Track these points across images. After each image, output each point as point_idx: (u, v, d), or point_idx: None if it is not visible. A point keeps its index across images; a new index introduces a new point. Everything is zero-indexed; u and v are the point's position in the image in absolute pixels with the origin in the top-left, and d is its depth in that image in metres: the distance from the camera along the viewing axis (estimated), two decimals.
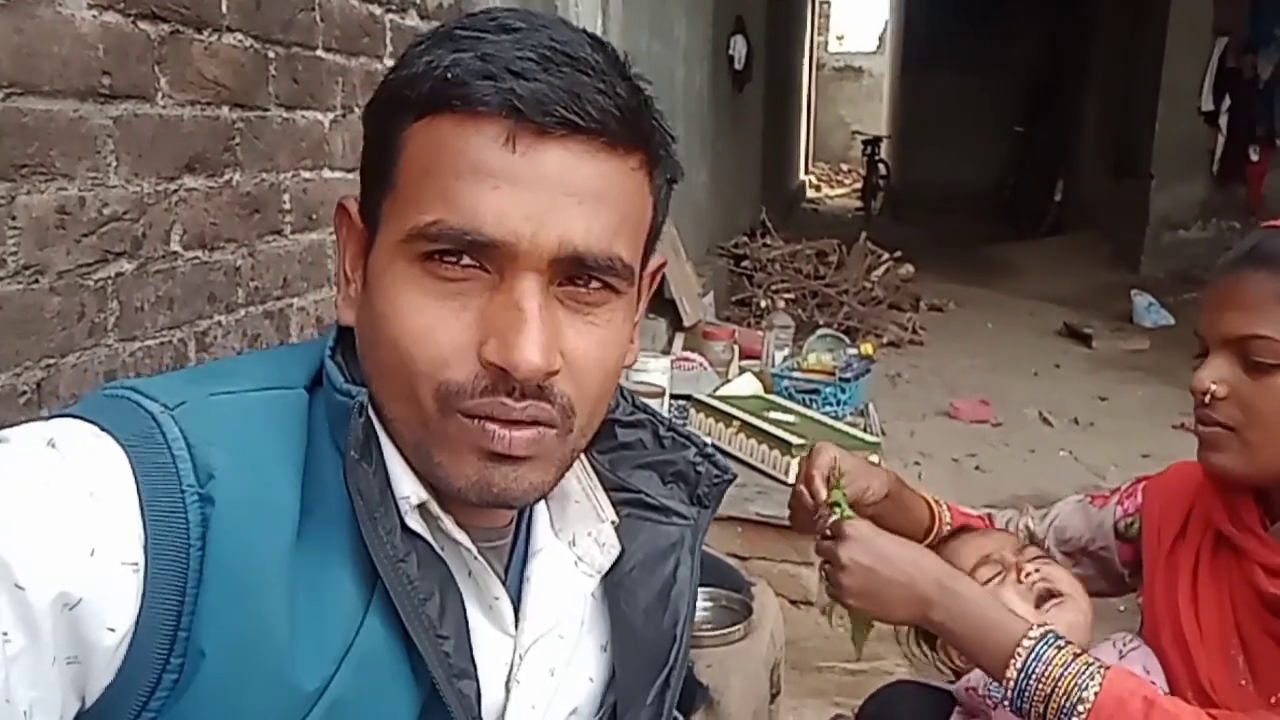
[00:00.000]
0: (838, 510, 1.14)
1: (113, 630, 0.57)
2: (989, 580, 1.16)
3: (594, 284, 0.65)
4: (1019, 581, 1.15)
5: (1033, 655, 1.00)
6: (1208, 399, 1.06)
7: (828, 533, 1.12)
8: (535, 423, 0.64)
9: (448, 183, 0.62)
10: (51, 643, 0.55)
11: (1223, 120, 7.51)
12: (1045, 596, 1.14)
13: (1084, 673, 0.98)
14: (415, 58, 0.65)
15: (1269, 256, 1.03)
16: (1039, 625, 1.04)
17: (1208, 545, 1.14)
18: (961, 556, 1.21)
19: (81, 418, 0.60)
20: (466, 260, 0.62)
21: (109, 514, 0.57)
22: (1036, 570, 1.15)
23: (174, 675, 0.58)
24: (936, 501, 1.35)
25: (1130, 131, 8.29)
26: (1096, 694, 0.96)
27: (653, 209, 0.70)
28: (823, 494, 1.16)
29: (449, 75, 0.62)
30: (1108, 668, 0.99)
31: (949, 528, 1.33)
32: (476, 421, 0.63)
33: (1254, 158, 7.47)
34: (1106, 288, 7.44)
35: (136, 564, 0.57)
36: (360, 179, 0.70)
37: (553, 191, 0.62)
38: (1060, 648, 1.01)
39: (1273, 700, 1.00)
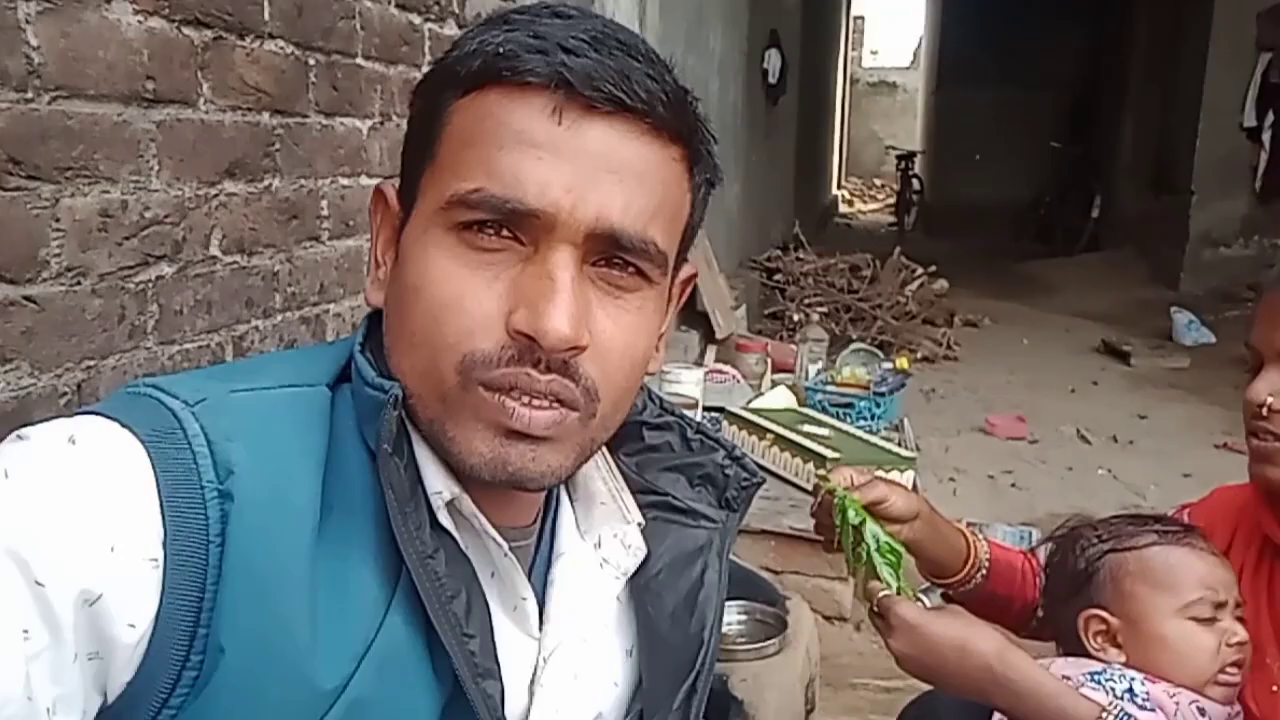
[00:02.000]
0: (850, 508, 1.09)
1: (133, 626, 0.56)
2: (1198, 620, 1.07)
3: (628, 268, 0.65)
4: (1220, 643, 1.06)
5: None
6: (1265, 411, 1.05)
7: (875, 609, 1.08)
8: (557, 400, 0.63)
9: (491, 152, 0.62)
10: (73, 639, 0.55)
11: (1266, 136, 7.40)
12: (1233, 665, 1.06)
13: None
14: (468, 39, 0.65)
15: None
16: (1109, 709, 0.98)
17: (1251, 559, 1.13)
18: (1180, 576, 1.09)
19: (103, 414, 0.60)
20: (503, 231, 0.62)
21: (129, 510, 0.57)
22: (1241, 642, 1.06)
23: (194, 672, 0.58)
24: (972, 532, 1.31)
25: (1169, 147, 8.19)
26: None
27: (690, 206, 0.69)
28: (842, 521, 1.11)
29: (500, 50, 0.62)
30: None
31: (987, 563, 1.27)
32: (497, 396, 0.62)
33: None
34: (1145, 305, 7.35)
35: (156, 560, 0.57)
36: (401, 161, 0.69)
37: (595, 167, 0.62)
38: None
39: None
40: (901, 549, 1.11)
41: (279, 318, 1.68)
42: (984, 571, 1.28)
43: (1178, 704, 1.04)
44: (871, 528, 1.09)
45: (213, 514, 0.58)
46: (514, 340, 0.62)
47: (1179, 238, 7.80)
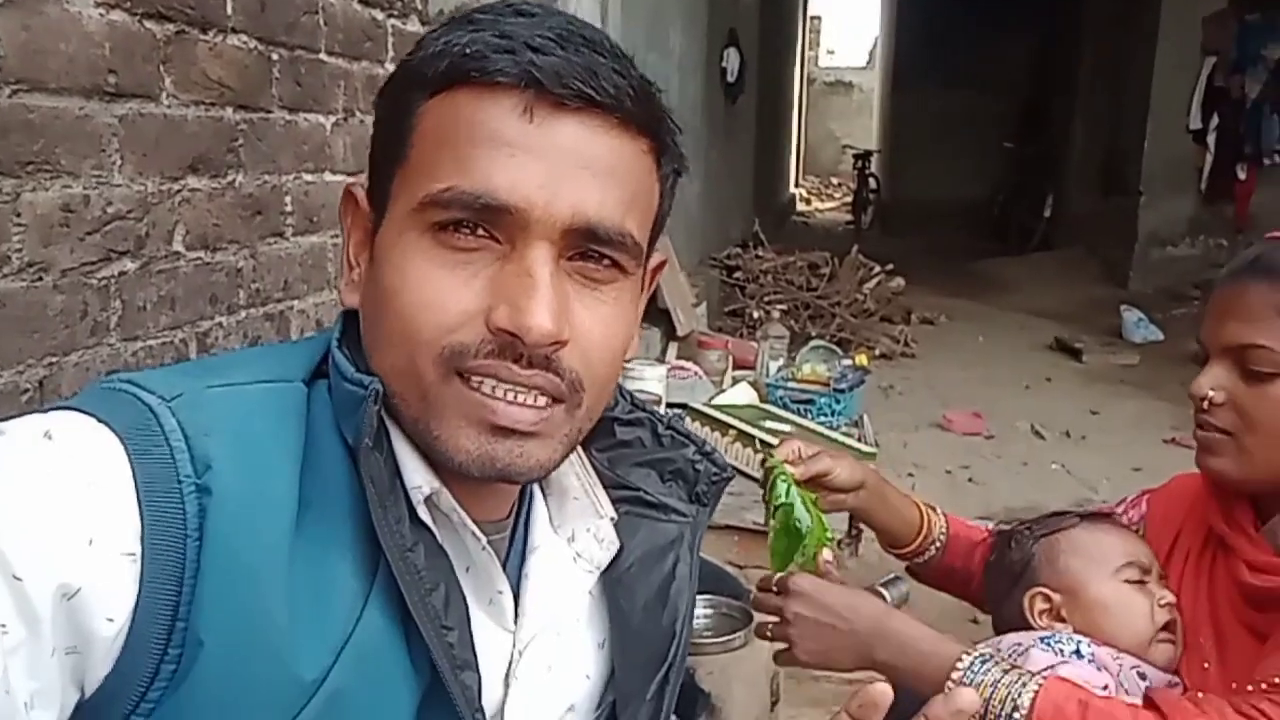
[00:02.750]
0: (780, 483, 1.13)
1: (111, 620, 0.56)
2: (1130, 583, 1.15)
3: (604, 261, 0.66)
4: (1153, 604, 1.13)
5: (969, 671, 1.03)
6: (1206, 405, 1.09)
7: (773, 588, 1.15)
8: (542, 392, 0.64)
9: (463, 151, 0.62)
10: (51, 633, 0.54)
11: (1210, 139, 7.59)
12: (1166, 628, 1.13)
13: (1018, 683, 1.00)
14: (432, 40, 0.66)
15: (1271, 268, 1.05)
16: (972, 649, 1.06)
17: (1196, 545, 1.17)
18: (1107, 548, 1.18)
19: (79, 410, 0.60)
20: (479, 230, 0.63)
21: (106, 504, 0.57)
22: (1170, 603, 1.14)
23: (172, 665, 0.58)
24: (933, 508, 1.36)
25: (1119, 149, 8.36)
26: (1032, 700, 0.98)
27: (659, 196, 0.70)
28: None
29: (467, 51, 0.62)
30: (1045, 677, 1.01)
31: (943, 536, 1.34)
32: (478, 390, 0.63)
33: (1241, 176, 7.55)
34: (1096, 303, 7.49)
35: (134, 554, 0.57)
36: (369, 164, 0.69)
37: (568, 162, 0.62)
38: (995, 664, 1.03)
39: (1233, 686, 1.02)
40: (825, 528, 1.14)
41: (243, 314, 1.66)
42: (938, 544, 1.34)
43: (1120, 665, 1.10)
44: (795, 503, 1.13)
45: (190, 508, 0.58)
46: (494, 336, 0.62)
47: (1128, 237, 7.97)
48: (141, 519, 0.58)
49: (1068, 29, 10.10)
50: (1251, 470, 1.08)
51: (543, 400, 0.64)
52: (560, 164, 0.62)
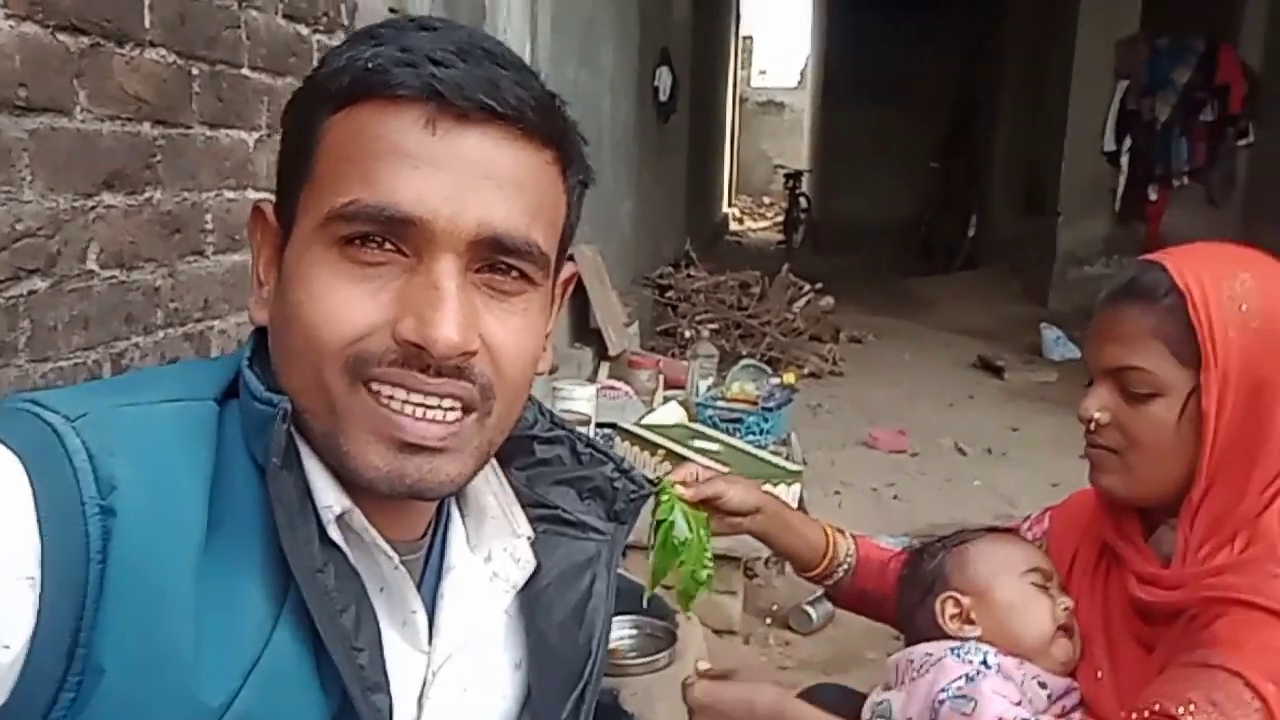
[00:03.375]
0: (665, 502, 1.15)
1: (7, 647, 0.55)
2: (1035, 588, 1.20)
3: (512, 272, 0.66)
4: (1054, 605, 1.19)
5: None
6: (1093, 426, 1.12)
7: (685, 701, 1.23)
8: (455, 399, 0.64)
9: (367, 165, 0.62)
10: None
11: (1124, 160, 7.85)
12: (1065, 630, 1.18)
13: None
14: (336, 55, 0.66)
15: (1143, 291, 1.08)
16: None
17: (1092, 558, 1.21)
18: (1013, 555, 1.24)
19: None
20: (386, 244, 0.63)
21: (3, 527, 0.56)
22: (1069, 608, 1.19)
23: (71, 694, 0.57)
24: (841, 531, 1.39)
25: (1038, 169, 8.61)
26: None
27: (567, 208, 0.71)
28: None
29: (369, 65, 0.63)
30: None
31: (851, 558, 1.37)
32: (386, 405, 0.63)
33: (1153, 197, 7.82)
34: (1017, 321, 7.69)
35: (33, 579, 0.56)
36: (277, 180, 0.69)
37: (472, 174, 0.63)
38: None
39: (1127, 710, 1.04)
40: (704, 547, 1.16)
41: (161, 334, 1.62)
42: (846, 567, 1.36)
43: (1024, 675, 1.15)
44: (675, 519, 1.15)
45: (94, 530, 0.57)
46: (401, 348, 0.62)
47: (1048, 256, 8.19)
48: (41, 542, 0.56)
49: (991, 50, 10.40)
50: (1138, 486, 1.11)
51: (453, 414, 0.64)
52: (464, 175, 0.62)
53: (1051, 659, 1.17)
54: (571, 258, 0.75)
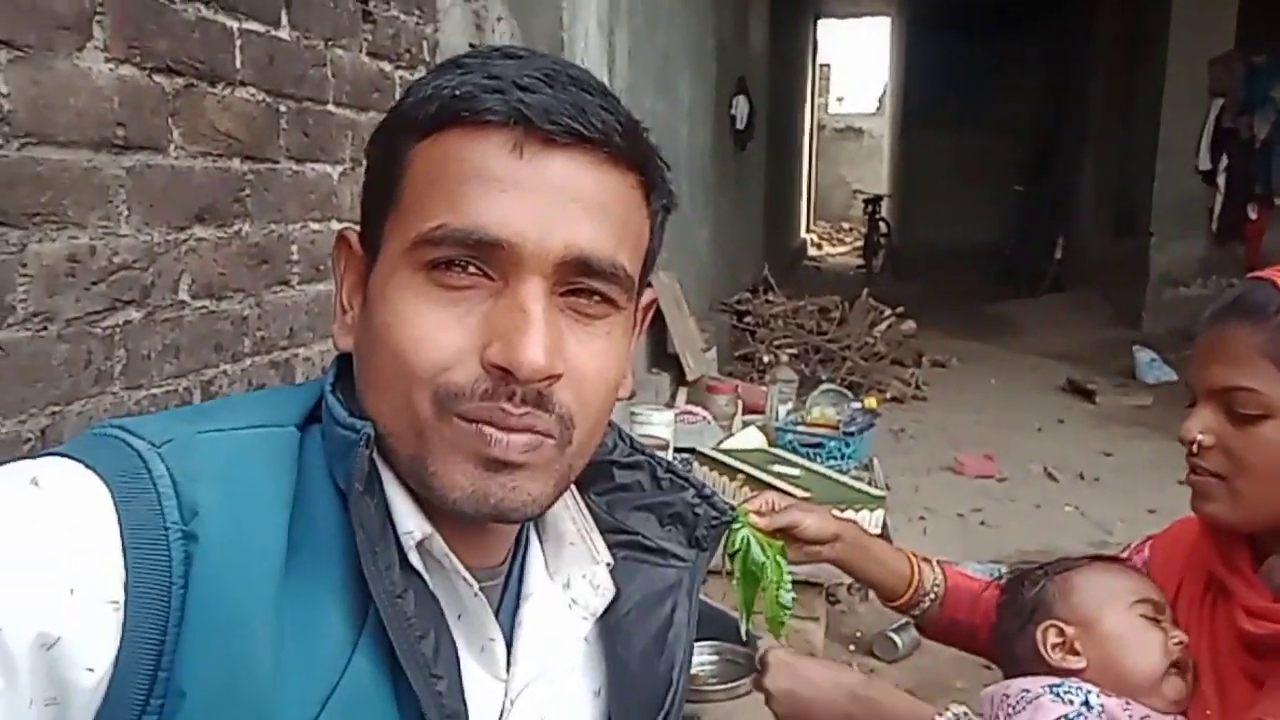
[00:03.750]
0: (738, 532, 1.14)
1: (92, 670, 0.56)
2: (1145, 619, 1.14)
3: (596, 296, 0.66)
4: (1165, 639, 1.12)
5: None
6: (1195, 449, 1.08)
7: (758, 667, 1.21)
8: (533, 432, 0.64)
9: (453, 189, 0.62)
10: (30, 684, 0.54)
11: (1220, 179, 7.60)
12: (1178, 667, 1.12)
13: None
14: (422, 85, 0.66)
15: (1251, 309, 1.04)
16: (951, 708, 1.09)
17: (1198, 591, 1.16)
18: (1121, 585, 1.18)
19: (67, 455, 0.60)
20: (471, 268, 0.63)
21: (89, 551, 0.57)
22: (1183, 642, 1.13)
23: (154, 716, 0.57)
24: (928, 560, 1.35)
25: (1129, 190, 8.37)
26: None
27: (650, 232, 0.71)
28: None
29: (457, 93, 0.63)
30: None
31: (938, 588, 1.33)
32: (474, 426, 0.63)
33: (1252, 216, 7.54)
34: (1108, 344, 7.46)
35: (117, 602, 0.57)
36: (361, 208, 0.70)
37: (559, 197, 0.63)
38: None
39: None
40: (781, 570, 1.14)
41: (247, 362, 1.67)
42: (933, 596, 1.32)
43: (1129, 716, 1.08)
44: (750, 546, 1.14)
45: (176, 555, 0.58)
46: (489, 373, 0.62)
47: (1140, 278, 7.95)
48: (126, 566, 0.57)
49: (1077, 71, 10.18)
50: (1245, 513, 1.06)
51: (534, 434, 0.64)
52: (551, 199, 0.62)
53: (1162, 697, 1.10)
54: (650, 284, 0.75)
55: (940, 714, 1.06)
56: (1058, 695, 1.10)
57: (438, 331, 0.62)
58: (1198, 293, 7.79)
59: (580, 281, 0.65)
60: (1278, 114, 7.33)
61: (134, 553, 0.57)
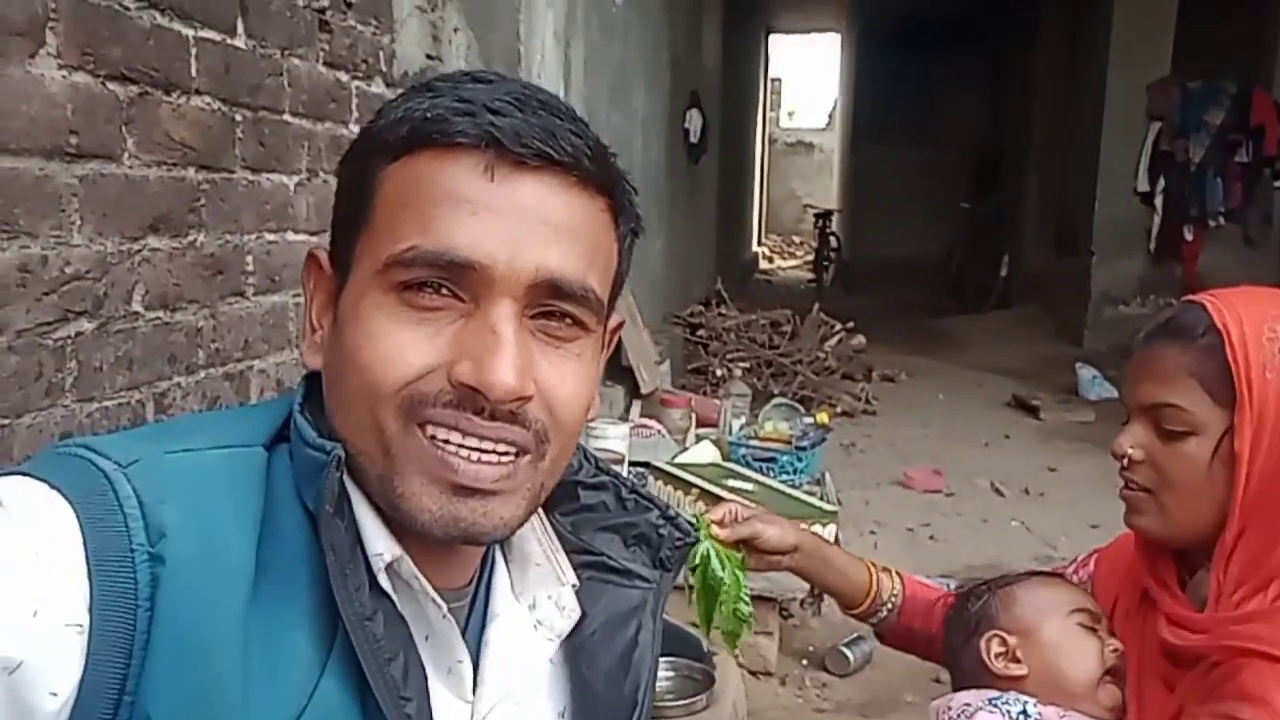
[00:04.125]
0: (700, 547, 1.18)
1: (55, 695, 0.55)
2: (1082, 628, 1.18)
3: (566, 318, 0.66)
4: (1102, 647, 1.17)
5: None
6: (1126, 463, 1.12)
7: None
8: (509, 444, 0.64)
9: (425, 211, 0.63)
10: None
11: (1158, 200, 7.82)
12: (1114, 674, 1.16)
13: None
14: (393, 108, 0.67)
15: (1181, 330, 1.08)
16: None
17: (1133, 602, 1.20)
18: (1060, 596, 1.22)
19: (32, 475, 0.59)
20: (443, 290, 0.63)
21: (54, 574, 0.56)
22: (1119, 650, 1.17)
23: None
24: (886, 570, 1.37)
25: (1071, 209, 8.57)
26: None
27: (618, 255, 0.71)
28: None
29: (428, 115, 0.64)
30: None
31: (896, 597, 1.35)
32: (441, 448, 0.63)
33: (1188, 237, 7.77)
34: (1052, 361, 7.62)
35: (81, 625, 0.56)
36: (332, 229, 0.70)
37: (529, 220, 0.63)
38: None
39: None
40: (740, 585, 1.18)
41: (202, 374, 1.65)
42: (891, 605, 1.35)
43: None
44: (711, 559, 1.18)
45: (142, 578, 0.57)
46: (456, 390, 0.62)
47: (1082, 296, 8.13)
48: (91, 589, 0.56)
49: (1021, 92, 10.40)
50: (1171, 526, 1.10)
51: (507, 456, 0.64)
52: (522, 221, 0.63)
53: (1098, 704, 1.14)
54: (616, 306, 0.76)
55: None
56: (995, 707, 1.14)
57: (405, 349, 0.63)
58: (1137, 311, 8.00)
59: (551, 304, 0.65)
60: (1212, 138, 7.57)
61: (100, 575, 0.57)
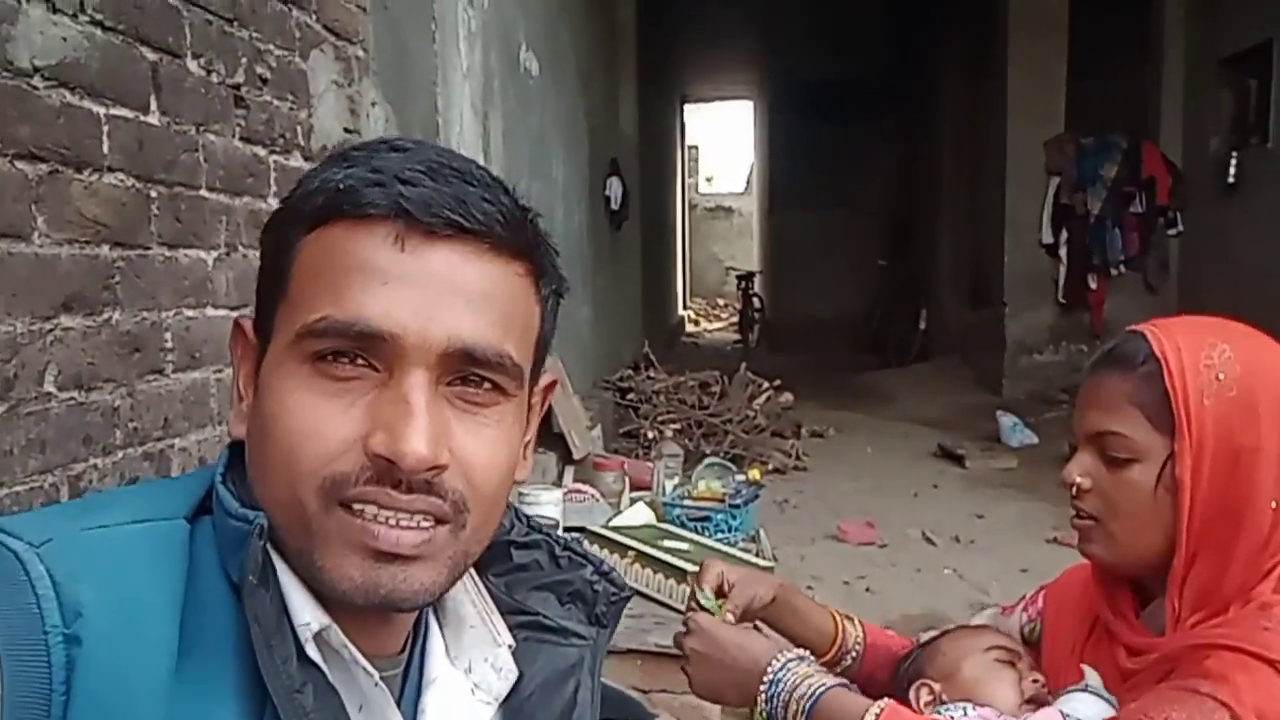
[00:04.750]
0: (704, 606, 1.25)
1: None
2: (998, 662, 1.23)
3: (485, 385, 0.66)
4: (1020, 678, 1.21)
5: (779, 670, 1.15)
6: (1075, 491, 1.14)
7: (684, 627, 1.25)
8: (426, 515, 0.64)
9: (337, 281, 0.63)
10: None
11: (1062, 251, 8.14)
12: (1035, 701, 1.19)
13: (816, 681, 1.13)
14: (310, 177, 0.67)
15: (1122, 359, 1.11)
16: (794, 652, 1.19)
17: (1083, 633, 1.21)
18: (979, 638, 1.28)
19: None
20: (358, 360, 0.63)
21: None
22: (1040, 682, 1.21)
23: None
24: (849, 618, 1.39)
25: (981, 263, 8.87)
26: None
27: (540, 319, 0.72)
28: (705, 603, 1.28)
29: (340, 186, 0.64)
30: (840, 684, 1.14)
31: (859, 646, 1.37)
32: (360, 517, 0.62)
33: (1093, 285, 8.09)
34: (973, 410, 7.80)
35: None
36: (256, 298, 0.70)
37: (440, 289, 0.63)
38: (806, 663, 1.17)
39: None
40: None
41: (120, 454, 1.60)
42: (854, 654, 1.37)
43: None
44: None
45: (56, 660, 0.56)
46: (373, 463, 0.62)
47: (997, 346, 8.38)
48: (2, 674, 0.54)
49: (927, 153, 10.80)
50: (1120, 554, 1.12)
51: (426, 522, 0.64)
52: (433, 290, 0.63)
53: None
54: (544, 368, 0.76)
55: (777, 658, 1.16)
56: (940, 711, 1.19)
57: (322, 423, 0.62)
58: (1050, 359, 8.27)
59: (467, 370, 0.65)
60: (1108, 190, 7.94)
61: (10, 660, 0.55)
